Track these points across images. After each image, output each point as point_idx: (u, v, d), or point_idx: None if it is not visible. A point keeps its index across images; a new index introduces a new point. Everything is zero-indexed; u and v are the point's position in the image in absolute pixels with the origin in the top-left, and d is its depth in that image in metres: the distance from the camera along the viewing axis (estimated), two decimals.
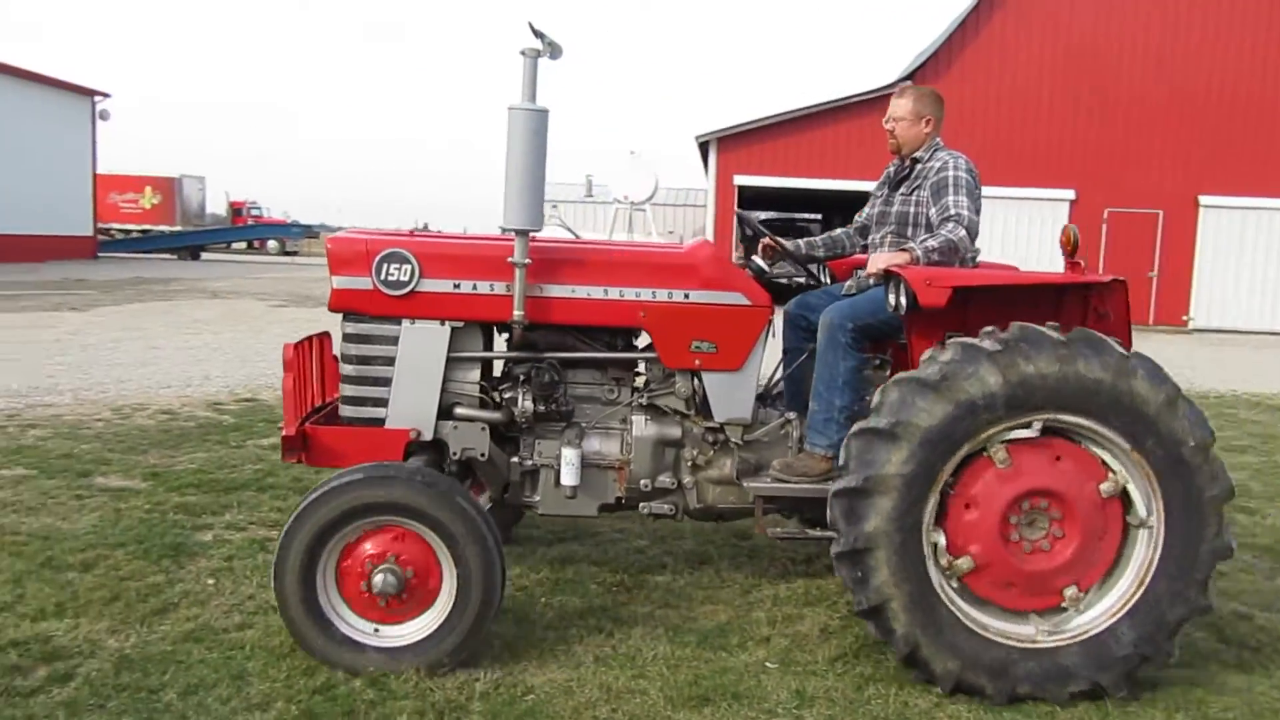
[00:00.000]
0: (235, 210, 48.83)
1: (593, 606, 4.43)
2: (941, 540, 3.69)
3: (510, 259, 3.99)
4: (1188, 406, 3.64)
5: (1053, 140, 24.34)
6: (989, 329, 3.68)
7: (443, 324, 4.17)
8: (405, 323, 4.16)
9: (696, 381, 4.27)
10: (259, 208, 50.04)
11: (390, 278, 4.10)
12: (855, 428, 3.71)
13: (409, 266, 4.11)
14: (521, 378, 4.27)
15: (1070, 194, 24.36)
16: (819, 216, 35.82)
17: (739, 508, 4.34)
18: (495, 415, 4.25)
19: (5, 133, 32.53)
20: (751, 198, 26.62)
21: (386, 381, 4.17)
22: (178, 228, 43.71)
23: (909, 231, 4.41)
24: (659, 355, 4.26)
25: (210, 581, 4.52)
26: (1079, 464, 3.70)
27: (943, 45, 25.11)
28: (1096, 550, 3.72)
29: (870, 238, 4.65)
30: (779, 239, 4.67)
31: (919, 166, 4.45)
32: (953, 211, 4.18)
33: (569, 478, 4.16)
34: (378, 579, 3.63)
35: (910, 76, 25.14)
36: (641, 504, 4.34)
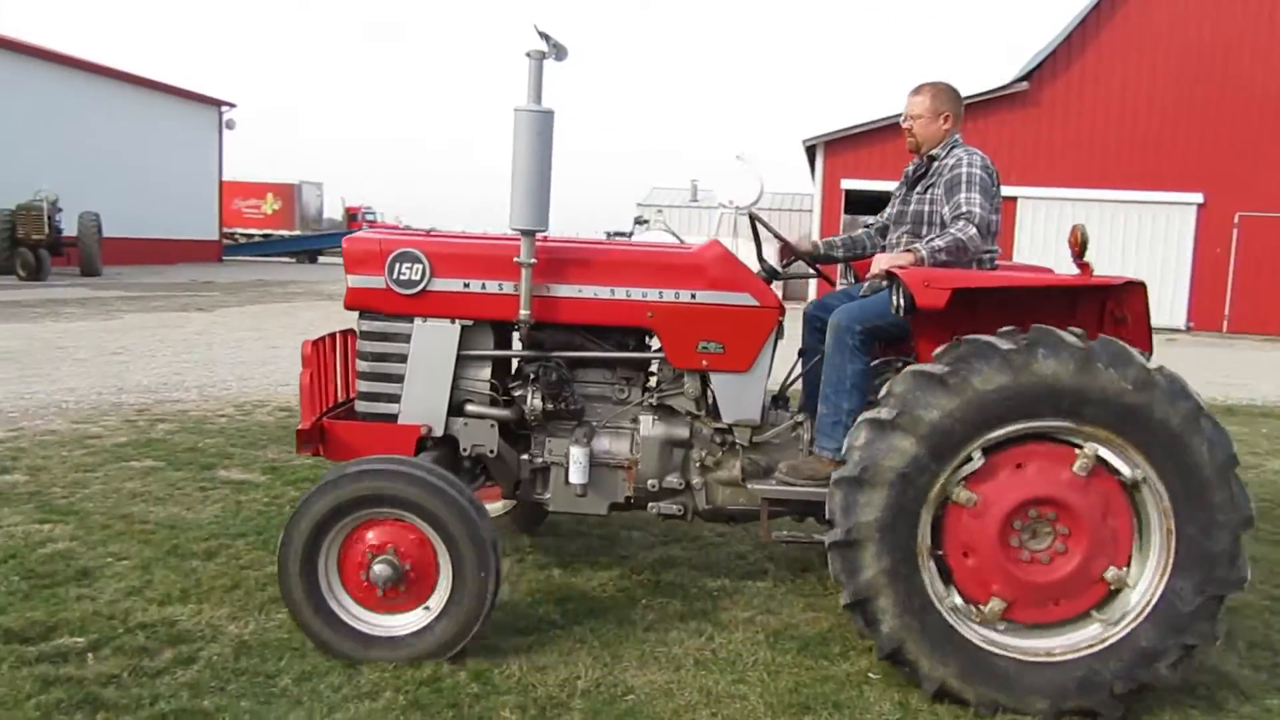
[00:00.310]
0: (351, 215, 50.44)
1: (693, 610, 4.42)
2: (959, 600, 3.61)
3: (517, 259, 4.04)
4: (1210, 425, 3.46)
5: (1178, 141, 23.36)
6: (1007, 329, 3.56)
7: (453, 322, 4.25)
8: (417, 321, 4.25)
9: (705, 382, 4.25)
10: (373, 213, 51.58)
11: (402, 277, 4.19)
12: (861, 417, 3.65)
13: (420, 266, 4.19)
14: (531, 376, 4.31)
15: (1198, 197, 23.36)
16: None
17: (750, 510, 4.27)
18: (505, 413, 4.31)
19: (139, 142, 34.30)
20: (858, 201, 26.19)
21: (399, 378, 4.27)
22: (296, 232, 45.41)
23: (924, 231, 4.29)
24: (666, 355, 4.25)
25: None
26: (1044, 460, 3.56)
27: (1062, 43, 24.34)
28: (1112, 527, 3.56)
29: (888, 238, 4.55)
30: (788, 240, 4.58)
31: (935, 164, 4.34)
32: (964, 209, 4.05)
33: (577, 476, 4.18)
34: (376, 569, 3.72)
35: (1028, 77, 24.47)
36: (650, 504, 4.33)
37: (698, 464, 4.29)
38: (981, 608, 3.59)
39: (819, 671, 3.85)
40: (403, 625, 3.78)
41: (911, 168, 4.54)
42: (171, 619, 4.07)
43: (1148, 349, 3.76)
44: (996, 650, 3.58)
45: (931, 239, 4.06)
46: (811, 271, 4.80)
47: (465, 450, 4.31)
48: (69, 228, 26.28)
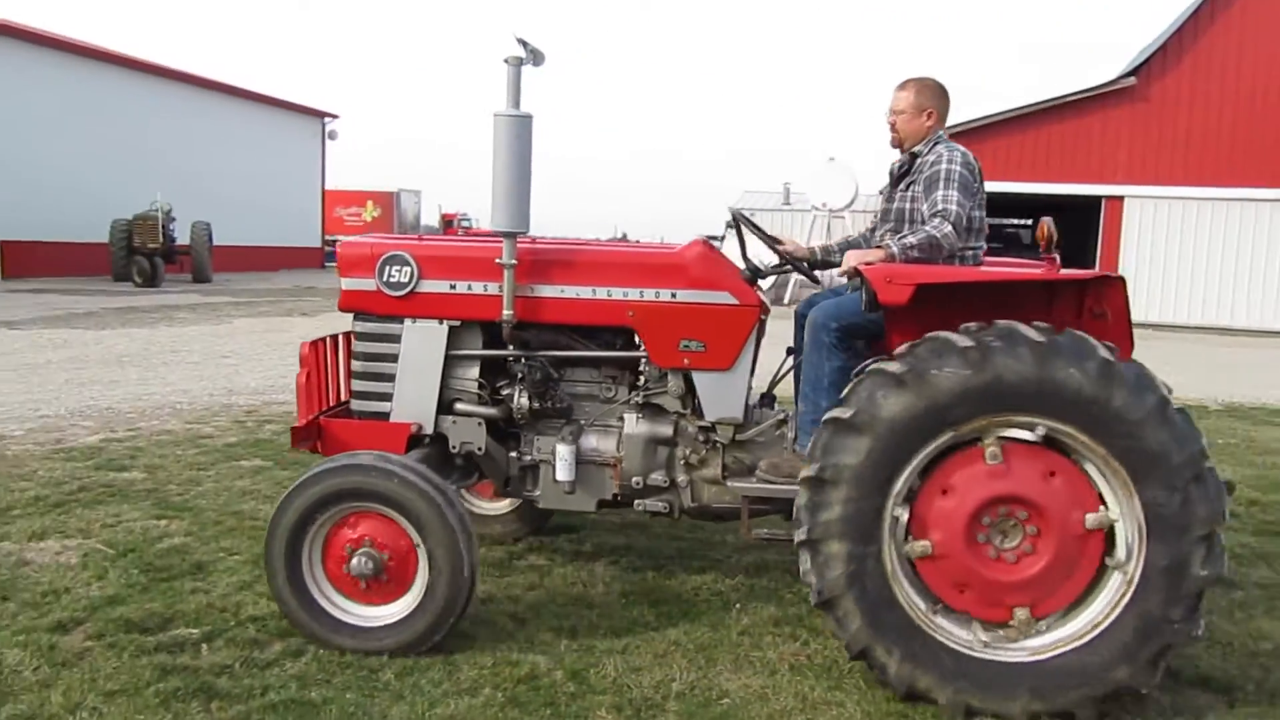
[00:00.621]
0: (447, 222, 51.47)
1: (787, 615, 4.39)
2: (905, 517, 3.52)
3: (499, 260, 4.11)
4: (1178, 418, 3.35)
5: None
6: (969, 325, 3.47)
7: (441, 323, 4.35)
8: (407, 322, 4.37)
9: (688, 381, 4.24)
10: (469, 219, 52.55)
11: (392, 279, 4.33)
12: (824, 417, 3.58)
13: (409, 268, 4.31)
14: (518, 375, 4.37)
15: None
16: (1029, 222, 34.15)
17: (735, 508, 4.22)
18: (492, 411, 4.39)
19: (247, 153, 35.58)
20: None
21: (391, 377, 4.39)
22: None
23: (906, 229, 4.18)
24: (648, 354, 4.26)
25: None
26: (1071, 486, 3.46)
27: (1172, 37, 23.47)
28: (1063, 582, 3.48)
29: (875, 236, 4.45)
30: (772, 240, 4.52)
31: (918, 161, 4.27)
32: (940, 207, 3.99)
33: (563, 473, 4.24)
34: (355, 562, 3.82)
35: (1135, 72, 23.65)
36: (636, 501, 4.34)
37: (682, 462, 4.30)
38: (914, 543, 3.52)
39: None
40: (384, 616, 3.87)
41: (896, 165, 4.46)
42: (280, 612, 4.20)
43: (1127, 344, 3.70)
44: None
45: (904, 236, 4.01)
46: (790, 270, 4.66)
47: (455, 448, 4.42)
48: (182, 236, 27.46)
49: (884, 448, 3.45)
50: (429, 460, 4.29)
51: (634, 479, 4.29)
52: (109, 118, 29.24)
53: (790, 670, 3.83)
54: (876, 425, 3.44)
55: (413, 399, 4.37)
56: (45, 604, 4.20)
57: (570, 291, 4.27)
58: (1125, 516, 3.43)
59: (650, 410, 4.36)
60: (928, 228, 3.97)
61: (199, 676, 3.59)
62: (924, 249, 3.92)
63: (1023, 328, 3.41)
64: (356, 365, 4.49)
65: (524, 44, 3.99)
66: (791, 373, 4.53)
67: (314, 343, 4.52)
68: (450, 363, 4.39)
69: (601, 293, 4.24)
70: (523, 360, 4.35)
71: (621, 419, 4.38)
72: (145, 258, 25.87)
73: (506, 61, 3.98)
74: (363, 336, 4.47)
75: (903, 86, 4.35)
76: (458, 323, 4.37)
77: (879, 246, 4.06)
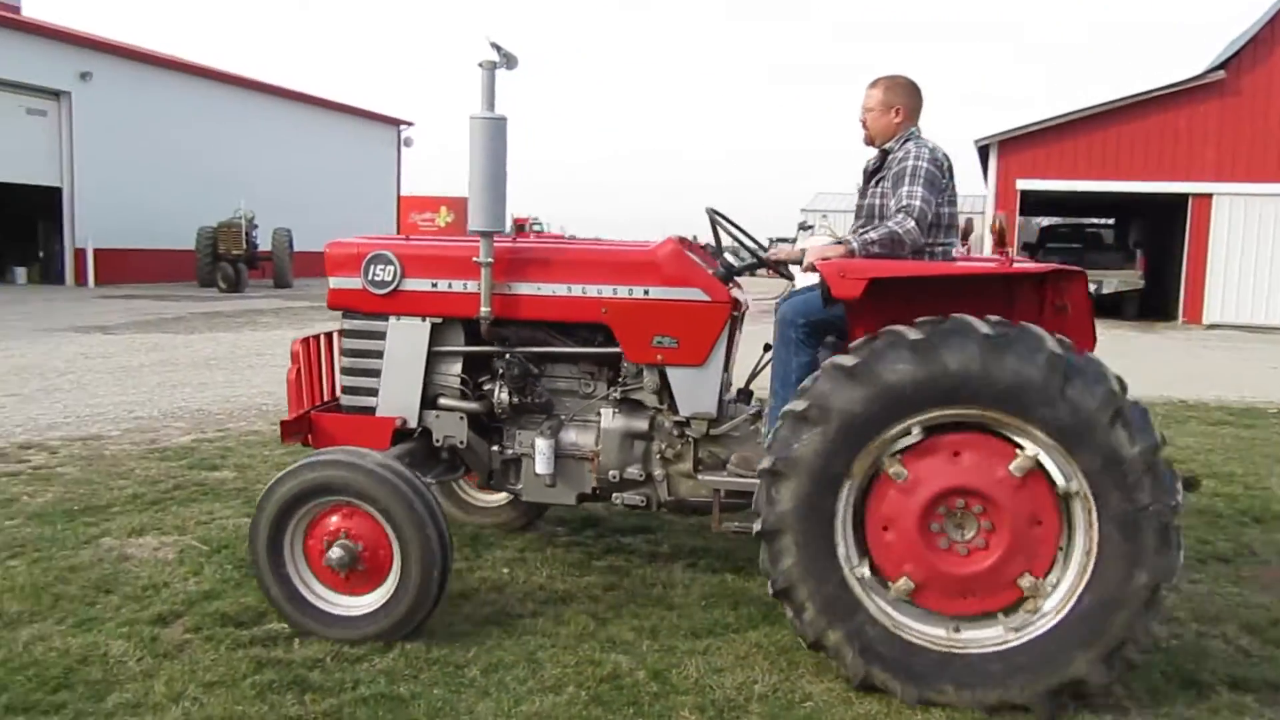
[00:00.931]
0: (519, 226, 51.71)
1: None
2: (866, 572, 3.60)
3: (476, 259, 4.19)
4: (1132, 411, 3.36)
5: None
6: (922, 319, 3.50)
7: (424, 320, 4.48)
8: (392, 319, 4.51)
9: (663, 376, 4.30)
10: (540, 223, 52.92)
11: (376, 278, 4.47)
12: (781, 411, 3.64)
13: (392, 267, 4.46)
14: (499, 371, 4.46)
15: None
16: (1111, 221, 33.31)
17: (711, 502, 4.21)
18: (473, 406, 4.49)
19: (326, 161, 36.39)
20: (1036, 203, 25.14)
21: (377, 373, 4.53)
22: None
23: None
24: (623, 350, 4.32)
25: (505, 570, 4.84)
26: (983, 452, 3.50)
27: (1264, 28, 22.66)
28: (1037, 534, 3.50)
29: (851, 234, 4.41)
30: (742, 240, 4.56)
31: (889, 158, 4.28)
32: (905, 203, 4.01)
33: (542, 466, 4.34)
34: (332, 553, 3.94)
35: (1224, 65, 22.90)
36: (614, 495, 4.39)
37: (658, 456, 4.35)
38: (891, 584, 3.56)
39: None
40: (362, 606, 3.99)
41: (869, 162, 4.48)
42: None
43: (1088, 337, 3.79)
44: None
45: (866, 231, 4.03)
46: (762, 267, 4.66)
47: (438, 441, 4.54)
48: (263, 243, 28.23)
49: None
50: (413, 454, 4.45)
51: (611, 473, 4.35)
52: (194, 128, 30.20)
53: None
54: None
55: (397, 394, 4.51)
56: (146, 597, 4.36)
57: (546, 289, 4.37)
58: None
59: (627, 405, 4.42)
60: (890, 223, 3.98)
61: (292, 670, 3.69)
62: (885, 244, 3.94)
63: (973, 321, 3.44)
64: (344, 361, 4.65)
65: (497, 48, 4.12)
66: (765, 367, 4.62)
67: (305, 340, 4.72)
68: (433, 359, 4.52)
69: (576, 290, 4.33)
70: (503, 356, 4.45)
71: (599, 414, 4.45)
72: (229, 264, 26.66)
73: (480, 65, 4.12)
74: (350, 334, 4.63)
75: (873, 85, 4.39)
76: (440, 320, 4.50)
77: (841, 242, 4.10)
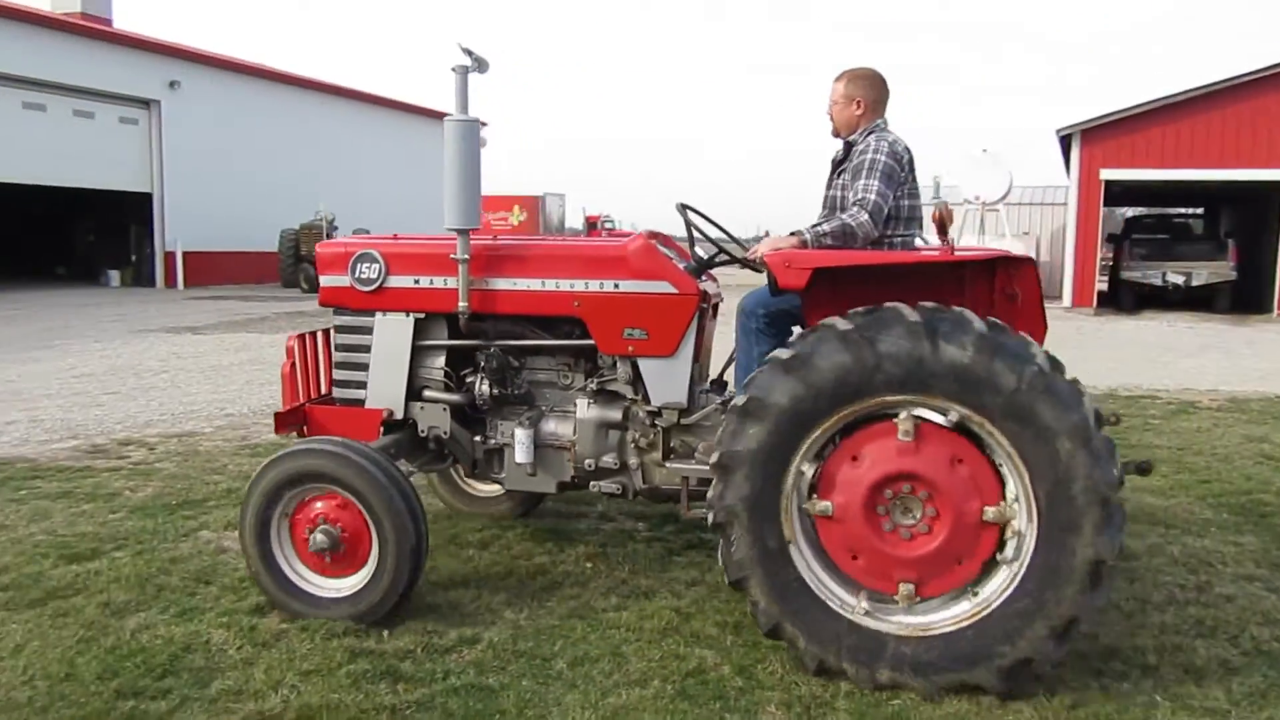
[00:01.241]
0: (591, 224, 52.17)
1: None
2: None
3: (453, 255, 4.35)
4: (1064, 388, 3.38)
5: None
6: (854, 310, 3.58)
7: (408, 315, 4.65)
8: (378, 315, 4.69)
9: (636, 368, 4.38)
10: (612, 220, 53.12)
11: (363, 275, 4.66)
12: (730, 405, 3.72)
13: (377, 265, 4.65)
14: (480, 364, 4.61)
15: None
16: (1200, 211, 32.23)
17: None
18: (456, 398, 4.65)
19: (402, 162, 37.04)
20: (1122, 194, 24.45)
21: (365, 367, 4.73)
22: None
23: None
24: (596, 342, 4.42)
25: (588, 565, 4.89)
26: (976, 476, 3.54)
27: None
28: (952, 568, 3.57)
29: None
30: (713, 238, 4.60)
31: (852, 150, 4.36)
32: (860, 196, 4.13)
33: (521, 456, 4.48)
34: (314, 538, 4.10)
35: None
36: (591, 483, 4.51)
37: (633, 445, 4.44)
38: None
39: (1099, 689, 3.64)
40: (343, 589, 4.16)
41: (836, 154, 4.54)
42: (455, 602, 4.39)
43: (1039, 324, 3.88)
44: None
45: (819, 224, 4.14)
46: (733, 263, 4.64)
47: (423, 432, 4.69)
48: None
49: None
50: (400, 444, 4.66)
51: (587, 461, 4.48)
52: (276, 133, 31.01)
53: None
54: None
55: (384, 386, 4.69)
56: (243, 588, 4.50)
57: (522, 284, 4.50)
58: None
59: (603, 396, 4.52)
60: (844, 216, 4.10)
61: (384, 660, 3.79)
62: (838, 236, 4.04)
63: (902, 308, 3.50)
64: (336, 356, 4.87)
65: (469, 53, 4.29)
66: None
67: (301, 336, 4.93)
68: (417, 352, 4.68)
69: (550, 284, 4.45)
70: (483, 349, 4.60)
71: (576, 405, 4.56)
72: (311, 265, 27.27)
73: (454, 70, 4.29)
74: (340, 329, 4.84)
75: (838, 78, 4.49)
76: (423, 315, 4.66)
77: (795, 234, 4.16)
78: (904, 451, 3.56)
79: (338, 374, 4.86)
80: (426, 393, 4.71)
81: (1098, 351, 15.14)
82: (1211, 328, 19.19)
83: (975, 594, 3.59)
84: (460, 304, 4.48)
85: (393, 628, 4.09)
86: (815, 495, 3.66)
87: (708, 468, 4.08)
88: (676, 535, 5.40)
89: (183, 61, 28.48)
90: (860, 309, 3.58)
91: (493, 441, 4.69)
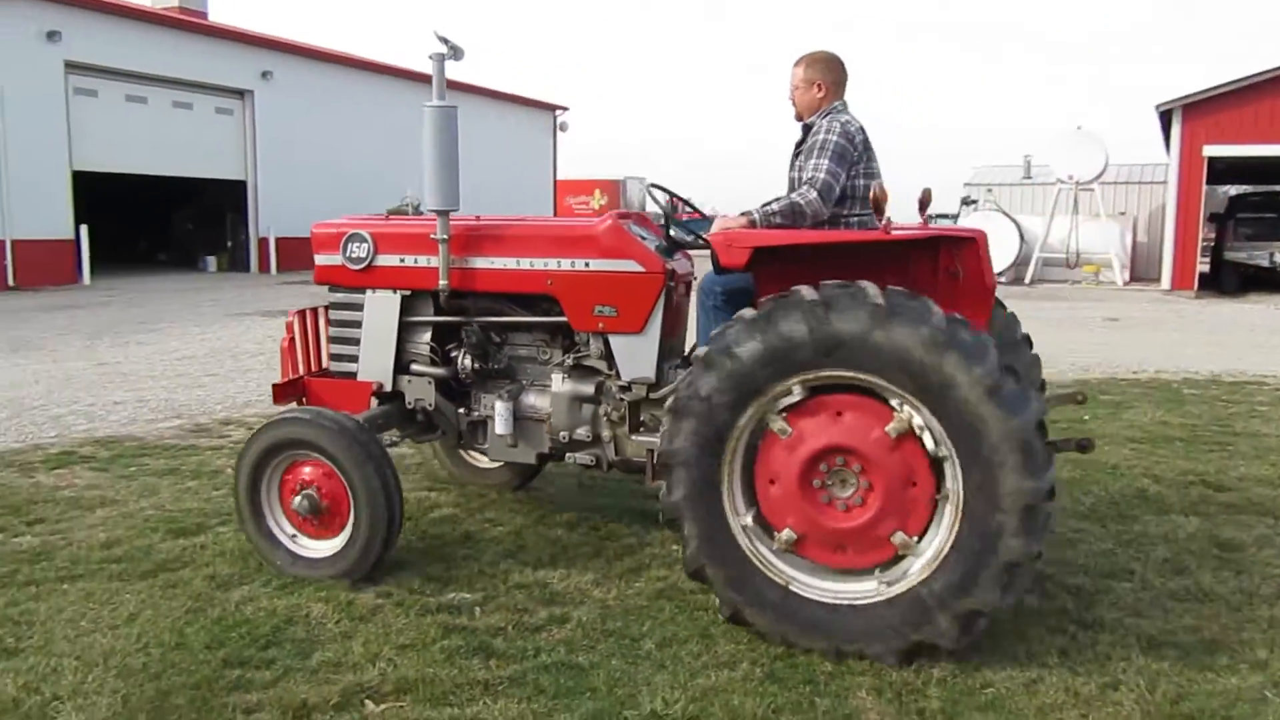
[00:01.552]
0: (673, 207, 52.07)
1: (1052, 606, 4.20)
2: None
3: (433, 235, 4.55)
4: (967, 339, 3.41)
5: None
6: (764, 299, 3.70)
7: (395, 292, 4.87)
8: (368, 292, 4.93)
9: (606, 344, 4.52)
10: (691, 204, 53.00)
11: (353, 255, 4.92)
12: (693, 355, 3.88)
13: (366, 245, 4.89)
14: (464, 339, 4.82)
15: None
16: None
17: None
18: (440, 371, 4.86)
19: (486, 147, 37.38)
20: (1225, 170, 23.46)
21: (357, 341, 4.97)
22: None
23: None
24: (568, 319, 4.56)
25: (674, 547, 4.89)
26: (862, 413, 3.62)
27: None
28: (911, 495, 3.61)
29: None
30: (681, 219, 4.78)
31: (809, 132, 4.45)
32: (809, 175, 4.22)
33: (501, 428, 4.70)
34: (296, 501, 4.39)
35: None
36: (567, 454, 4.69)
37: (605, 418, 4.57)
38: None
39: (1204, 684, 3.53)
40: (324, 549, 4.43)
41: (800, 136, 4.59)
42: (544, 581, 4.45)
43: (982, 301, 3.99)
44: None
45: (769, 204, 4.22)
46: (701, 245, 4.70)
47: (410, 404, 4.91)
48: None
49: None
50: (388, 415, 4.93)
51: (561, 434, 4.63)
52: (364, 120, 31.61)
53: (1059, 664, 3.67)
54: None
55: (374, 360, 4.93)
56: None
57: (499, 263, 4.68)
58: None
59: (577, 371, 4.66)
60: (793, 195, 4.19)
61: (477, 636, 3.86)
62: (786, 215, 4.15)
63: (804, 290, 3.59)
64: (331, 331, 5.13)
65: (445, 41, 4.46)
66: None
67: (301, 312, 5.21)
68: (405, 328, 4.90)
69: (525, 263, 4.62)
70: (469, 325, 4.80)
71: (552, 379, 4.71)
72: None
73: (431, 58, 4.46)
74: (334, 306, 5.09)
75: (797, 63, 4.58)
76: (409, 292, 4.87)
77: (745, 214, 4.26)
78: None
79: (332, 348, 5.12)
80: (413, 366, 4.93)
81: (1198, 336, 14.61)
82: None
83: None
84: (441, 281, 4.69)
85: (484, 605, 4.17)
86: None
87: None
88: (514, 490, 5.56)
89: (275, 52, 29.17)
90: (770, 296, 3.71)
91: (476, 414, 4.91)
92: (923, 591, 3.55)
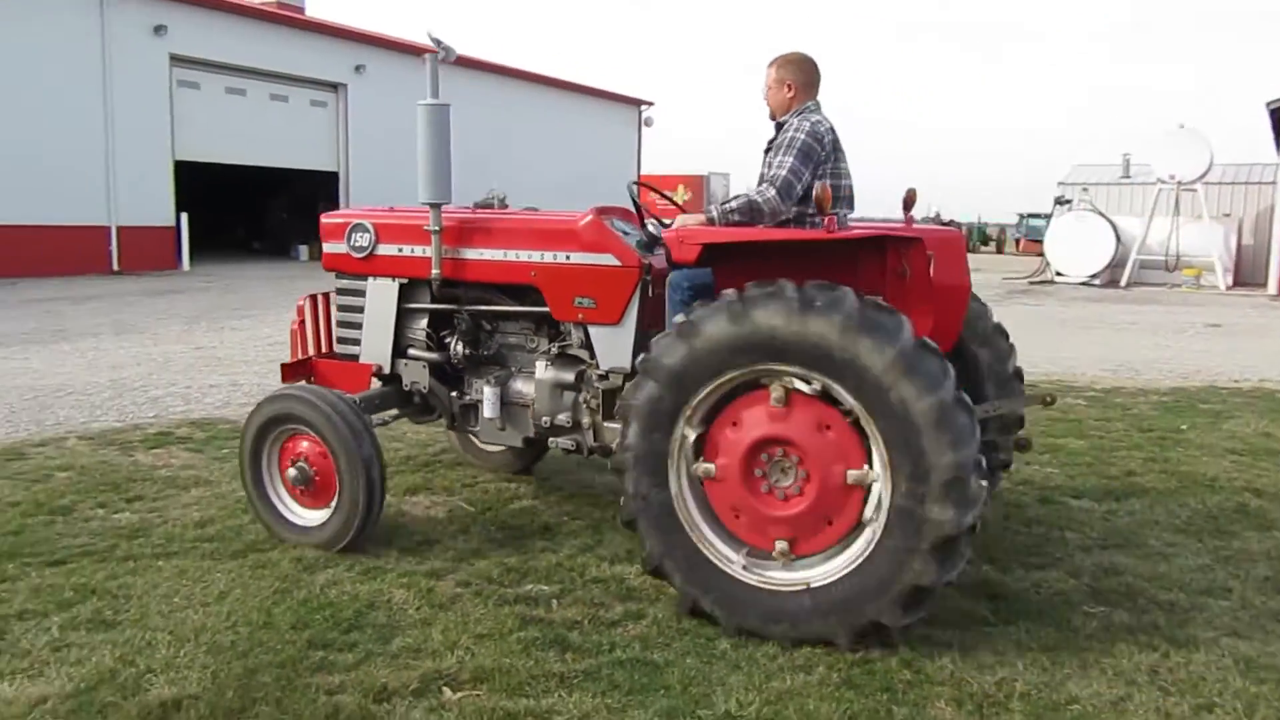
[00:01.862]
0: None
1: (1142, 623, 4.06)
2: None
3: (426, 227, 4.80)
4: (925, 360, 3.49)
5: None
6: (698, 302, 3.87)
7: (394, 280, 5.16)
8: (370, 279, 5.23)
9: (587, 334, 4.67)
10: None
11: (356, 243, 5.21)
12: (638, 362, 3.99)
13: (368, 235, 5.19)
14: (457, 326, 5.03)
15: None
16: None
17: None
18: (434, 356, 5.13)
19: (571, 141, 37.68)
20: None
21: (359, 325, 5.28)
22: None
23: None
24: (550, 310, 4.73)
25: None
26: (841, 442, 3.70)
27: None
28: (823, 526, 3.75)
29: None
30: (652, 215, 4.93)
31: (780, 131, 4.47)
32: (771, 172, 4.26)
33: (488, 411, 4.92)
34: (290, 472, 4.71)
35: None
36: (550, 439, 4.86)
37: (585, 405, 4.70)
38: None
39: None
40: (313, 519, 4.71)
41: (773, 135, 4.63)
42: (620, 576, 4.46)
43: (925, 300, 4.05)
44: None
45: (727, 201, 4.28)
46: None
47: (407, 386, 5.19)
48: None
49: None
50: (386, 396, 5.23)
51: (544, 419, 4.78)
52: (452, 113, 32.03)
53: (1149, 682, 3.54)
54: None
55: (374, 344, 5.24)
56: (421, 552, 4.72)
57: (487, 254, 4.91)
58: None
59: (561, 359, 4.84)
60: (751, 193, 4.24)
61: (553, 629, 3.89)
62: (744, 213, 4.20)
63: (728, 293, 3.72)
64: (335, 315, 5.45)
65: (438, 41, 4.69)
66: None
67: (312, 296, 5.53)
68: (403, 314, 5.18)
69: (511, 255, 4.83)
70: (460, 313, 5.02)
71: (537, 366, 4.86)
72: None
73: (423, 58, 4.72)
74: (340, 292, 5.41)
75: (770, 64, 4.62)
76: (406, 280, 5.14)
77: (705, 211, 4.38)
78: (775, 418, 3.76)
79: (337, 331, 5.44)
80: (410, 351, 5.20)
81: None
82: None
83: (836, 557, 3.75)
84: (433, 271, 4.93)
85: (561, 598, 4.20)
86: (701, 458, 3.93)
87: None
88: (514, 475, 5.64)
89: (367, 46, 29.79)
90: (701, 301, 3.88)
91: (467, 398, 5.15)
92: (866, 573, 3.64)
